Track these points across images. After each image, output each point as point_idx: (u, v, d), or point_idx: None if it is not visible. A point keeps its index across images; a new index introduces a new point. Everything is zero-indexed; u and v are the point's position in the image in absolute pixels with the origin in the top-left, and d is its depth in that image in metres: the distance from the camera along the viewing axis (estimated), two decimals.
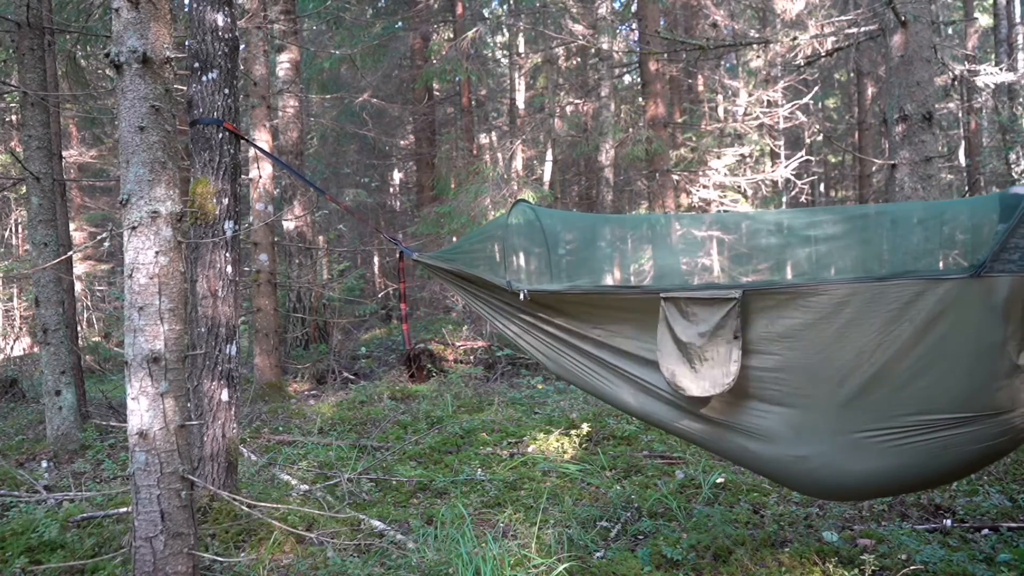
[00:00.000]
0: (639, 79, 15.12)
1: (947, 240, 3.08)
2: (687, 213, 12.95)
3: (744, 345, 2.87)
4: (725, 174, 13.30)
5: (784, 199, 15.50)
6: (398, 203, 23.20)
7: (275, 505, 4.37)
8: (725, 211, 13.77)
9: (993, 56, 14.22)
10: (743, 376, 2.89)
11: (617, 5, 16.35)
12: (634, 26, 16.07)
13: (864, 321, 2.71)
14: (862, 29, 7.72)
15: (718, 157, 13.20)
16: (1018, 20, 13.75)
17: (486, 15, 16.08)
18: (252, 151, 9.06)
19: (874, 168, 16.12)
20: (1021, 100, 13.10)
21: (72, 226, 13.94)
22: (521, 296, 3.31)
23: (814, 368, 2.82)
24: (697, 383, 2.94)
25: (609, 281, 4.47)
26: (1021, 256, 2.53)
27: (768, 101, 13.81)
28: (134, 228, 2.91)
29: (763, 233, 3.67)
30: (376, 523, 4.39)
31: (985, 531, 3.99)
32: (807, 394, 2.86)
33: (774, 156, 15.96)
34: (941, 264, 3.02)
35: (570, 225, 4.23)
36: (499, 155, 13.39)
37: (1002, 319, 2.55)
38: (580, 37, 12.76)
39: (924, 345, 2.65)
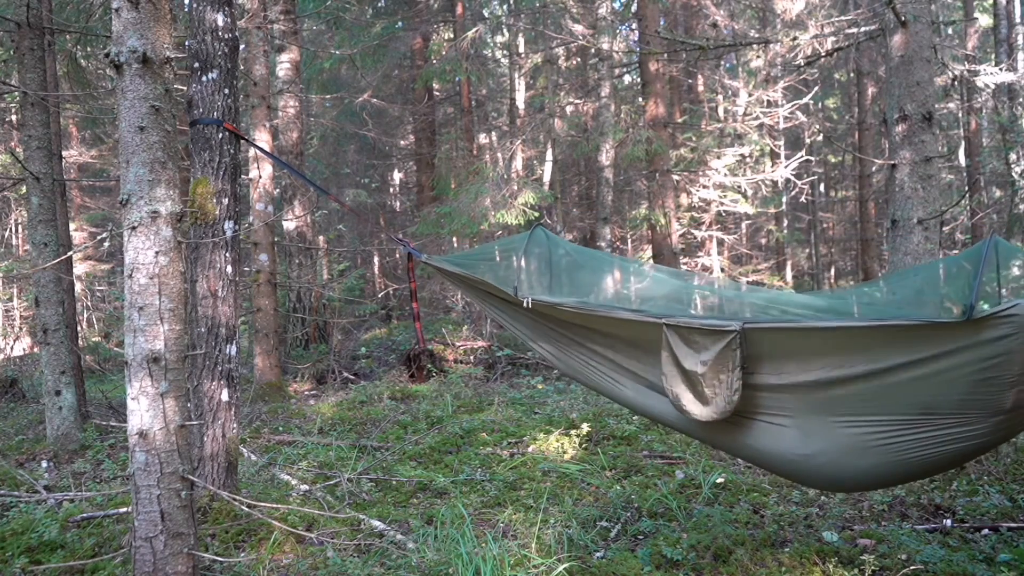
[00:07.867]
0: (639, 79, 15.11)
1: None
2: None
3: (747, 366, 2.99)
4: (725, 174, 13.30)
5: (784, 199, 15.50)
6: (398, 203, 23.18)
7: (275, 505, 4.37)
8: (725, 211, 13.78)
9: (993, 56, 14.20)
10: (748, 391, 3.02)
11: (617, 5, 16.34)
12: (634, 26, 16.04)
13: (862, 357, 2.80)
14: (862, 29, 7.71)
15: (718, 157, 13.20)
16: (1018, 20, 13.73)
17: (486, 15, 16.08)
18: (252, 151, 9.06)
19: (874, 168, 16.11)
20: (1021, 100, 13.08)
21: (72, 226, 13.94)
22: (525, 304, 3.49)
23: (816, 387, 2.94)
24: (699, 408, 3.10)
25: (610, 281, 4.50)
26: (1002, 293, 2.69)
27: (768, 101, 13.81)
28: (134, 228, 2.91)
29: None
30: (376, 523, 4.39)
31: (985, 531, 3.99)
32: (809, 407, 2.98)
33: (774, 156, 15.96)
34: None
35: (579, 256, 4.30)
36: (499, 155, 13.37)
37: (999, 352, 2.60)
38: (580, 37, 12.74)
39: (921, 375, 2.73)
